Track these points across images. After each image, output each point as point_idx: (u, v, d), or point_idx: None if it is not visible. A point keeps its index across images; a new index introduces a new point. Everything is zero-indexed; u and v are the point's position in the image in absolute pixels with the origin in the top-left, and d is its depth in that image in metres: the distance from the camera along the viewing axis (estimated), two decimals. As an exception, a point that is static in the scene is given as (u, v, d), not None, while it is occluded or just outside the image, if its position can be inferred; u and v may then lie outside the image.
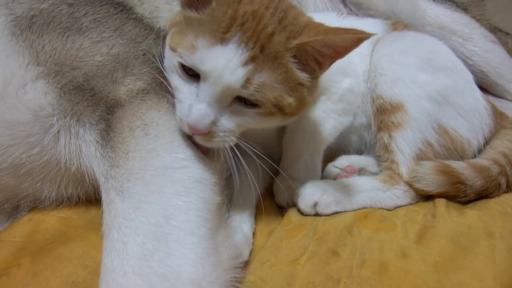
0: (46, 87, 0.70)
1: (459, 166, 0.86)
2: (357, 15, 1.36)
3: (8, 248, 0.70)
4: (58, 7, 0.76)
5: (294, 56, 0.66)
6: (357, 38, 0.63)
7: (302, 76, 0.68)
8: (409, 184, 0.87)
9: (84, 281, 0.65)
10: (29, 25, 0.71)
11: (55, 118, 0.70)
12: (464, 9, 1.40)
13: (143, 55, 0.78)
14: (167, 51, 0.70)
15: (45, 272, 0.65)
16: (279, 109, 0.67)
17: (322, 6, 1.34)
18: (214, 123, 0.65)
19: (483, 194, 0.87)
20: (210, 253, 0.61)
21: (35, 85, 0.70)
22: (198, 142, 0.69)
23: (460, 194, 0.86)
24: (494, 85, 1.28)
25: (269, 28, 0.64)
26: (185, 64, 0.65)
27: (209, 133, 0.66)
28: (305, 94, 0.70)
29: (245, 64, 0.63)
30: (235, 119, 0.67)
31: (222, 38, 0.63)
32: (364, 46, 0.95)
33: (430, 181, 0.85)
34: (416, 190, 0.87)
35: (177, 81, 0.69)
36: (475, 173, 0.86)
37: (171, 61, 0.69)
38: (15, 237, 0.72)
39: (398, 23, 1.08)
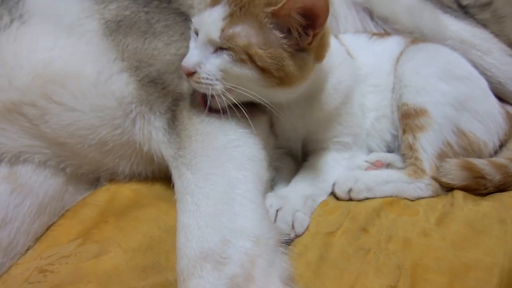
0: (128, 79, 0.84)
1: (480, 162, 0.95)
2: (383, 28, 1.47)
3: (94, 209, 0.85)
4: (138, 14, 0.90)
5: (275, 23, 0.76)
6: None
7: (279, 37, 0.76)
8: (435, 179, 0.95)
9: (159, 237, 0.79)
10: (117, 28, 0.86)
11: (133, 105, 0.84)
12: (484, 25, 1.47)
13: None
14: None
15: (128, 228, 0.79)
16: (249, 57, 0.75)
17: (352, 18, 1.45)
18: (199, 64, 0.77)
19: (501, 188, 0.95)
20: (265, 217, 0.74)
21: (120, 77, 0.83)
22: (192, 86, 0.81)
23: (480, 188, 0.94)
24: (511, 95, 1.36)
25: None
26: (192, 27, 0.82)
27: (194, 74, 0.78)
28: (285, 58, 0.77)
29: (223, 19, 0.76)
30: (215, 62, 0.77)
31: (214, 3, 0.79)
32: (387, 64, 1.09)
33: (455, 175, 0.94)
34: (441, 184, 0.95)
35: (190, 42, 0.84)
36: (494, 169, 0.94)
37: (191, 27, 0.84)
38: (98, 201, 0.87)
39: (416, 39, 1.18)
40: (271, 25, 0.76)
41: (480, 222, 0.86)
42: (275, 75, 0.78)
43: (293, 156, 1.03)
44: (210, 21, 0.77)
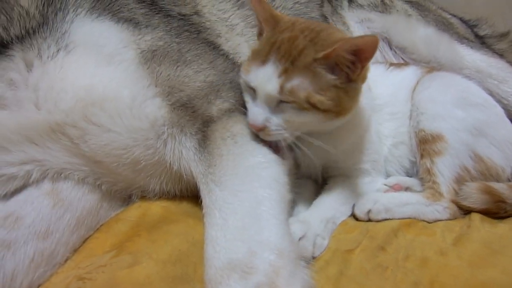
0: (161, 103, 0.90)
1: (499, 187, 0.98)
2: (401, 57, 1.51)
3: (127, 224, 0.91)
4: (170, 44, 0.97)
5: (326, 64, 0.82)
6: (364, 40, 0.80)
7: (332, 78, 0.83)
8: (455, 202, 0.98)
9: (188, 251, 0.84)
10: (152, 57, 0.92)
11: (165, 128, 0.89)
12: (501, 55, 1.52)
13: (230, 83, 0.98)
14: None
15: (160, 241, 0.84)
16: (312, 105, 0.82)
17: None
18: (267, 120, 0.85)
19: (521, 212, 0.97)
20: (288, 233, 0.78)
21: (153, 101, 0.90)
22: (263, 138, 0.87)
23: (500, 211, 0.97)
24: (528, 123, 1.39)
25: (300, 45, 0.83)
26: (244, 82, 0.88)
27: (265, 129, 0.85)
28: (340, 94, 0.84)
29: (279, 76, 0.82)
30: (281, 115, 0.84)
31: (263, 60, 0.85)
32: (404, 93, 1.13)
33: (475, 199, 0.97)
34: (462, 207, 0.98)
35: (245, 96, 0.91)
36: None
37: (241, 81, 0.91)
38: (131, 217, 0.93)
39: (432, 69, 1.21)
40: (323, 69, 0.82)
41: (497, 243, 0.88)
42: (333, 111, 0.85)
43: (313, 180, 1.08)
44: (266, 80, 0.83)
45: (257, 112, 0.86)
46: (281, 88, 0.82)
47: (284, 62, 0.83)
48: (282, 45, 0.84)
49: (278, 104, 0.84)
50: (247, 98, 0.90)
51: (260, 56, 0.86)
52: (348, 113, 0.89)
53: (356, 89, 0.88)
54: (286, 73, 0.82)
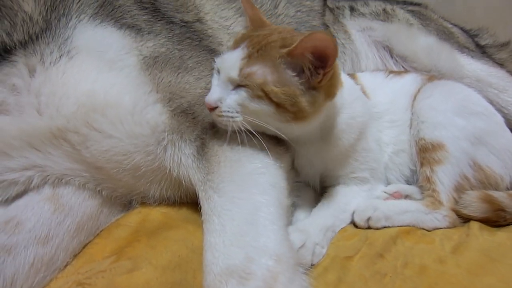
0: (162, 109, 0.91)
1: (499, 195, 0.99)
2: (402, 66, 1.52)
3: (127, 229, 0.91)
4: (172, 51, 0.98)
5: (290, 63, 0.82)
6: (314, 36, 0.79)
7: (292, 76, 0.83)
8: (456, 210, 0.99)
9: (187, 257, 0.84)
10: (153, 63, 0.93)
11: (166, 134, 0.90)
12: (501, 64, 1.53)
13: None
14: None
15: (159, 247, 0.85)
16: (265, 93, 0.82)
17: (372, 55, 1.53)
18: (220, 99, 0.85)
19: (520, 220, 0.98)
20: (286, 239, 0.79)
21: (154, 107, 0.90)
22: (215, 121, 0.88)
23: (500, 220, 0.98)
24: (528, 132, 1.40)
25: (271, 39, 0.85)
26: (215, 66, 0.90)
27: (216, 109, 0.85)
28: (298, 96, 0.83)
29: (242, 59, 0.83)
30: (235, 97, 0.84)
31: (234, 46, 0.88)
32: (404, 100, 1.14)
33: (476, 207, 0.98)
34: (462, 215, 0.99)
35: (213, 79, 0.91)
36: None
37: (214, 66, 0.91)
38: (131, 223, 0.93)
39: (433, 77, 1.22)
40: (285, 65, 0.83)
41: (495, 251, 0.88)
42: (289, 110, 0.84)
43: (311, 188, 1.08)
44: (230, 62, 0.85)
45: (214, 91, 0.87)
46: (241, 70, 0.83)
47: (251, 49, 0.85)
48: (256, 37, 0.87)
49: (235, 88, 0.85)
50: (214, 81, 0.90)
51: (234, 45, 0.89)
52: (306, 120, 0.87)
53: (316, 98, 0.86)
54: (249, 58, 0.84)
